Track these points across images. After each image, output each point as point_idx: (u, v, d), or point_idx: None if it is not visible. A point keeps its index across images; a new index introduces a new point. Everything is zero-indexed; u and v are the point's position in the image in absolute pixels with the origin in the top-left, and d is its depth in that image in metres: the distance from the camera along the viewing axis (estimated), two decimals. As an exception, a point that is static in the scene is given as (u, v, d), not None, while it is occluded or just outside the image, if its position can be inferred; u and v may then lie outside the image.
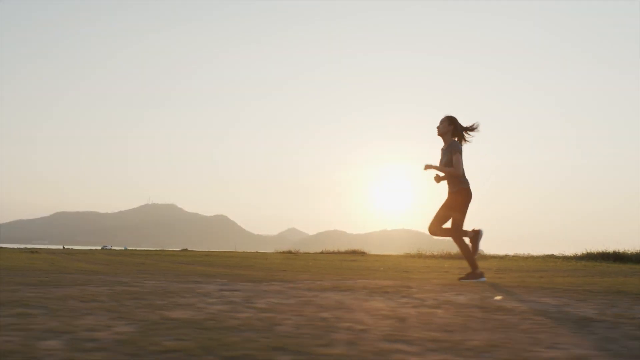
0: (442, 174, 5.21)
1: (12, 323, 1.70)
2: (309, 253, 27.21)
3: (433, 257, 18.08)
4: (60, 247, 53.70)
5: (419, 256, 19.25)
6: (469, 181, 5.15)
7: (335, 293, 3.10)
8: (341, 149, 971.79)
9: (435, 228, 5.17)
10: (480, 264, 6.41)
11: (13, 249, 27.38)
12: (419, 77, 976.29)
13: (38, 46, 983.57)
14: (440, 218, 5.17)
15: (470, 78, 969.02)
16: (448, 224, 5.15)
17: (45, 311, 1.99)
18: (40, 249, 29.61)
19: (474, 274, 5.01)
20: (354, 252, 25.29)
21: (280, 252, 26.40)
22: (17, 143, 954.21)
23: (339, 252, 26.01)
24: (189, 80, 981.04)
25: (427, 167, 5.15)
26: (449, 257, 17.21)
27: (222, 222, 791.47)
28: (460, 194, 5.08)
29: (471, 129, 5.25)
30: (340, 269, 8.13)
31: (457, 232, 5.08)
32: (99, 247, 60.90)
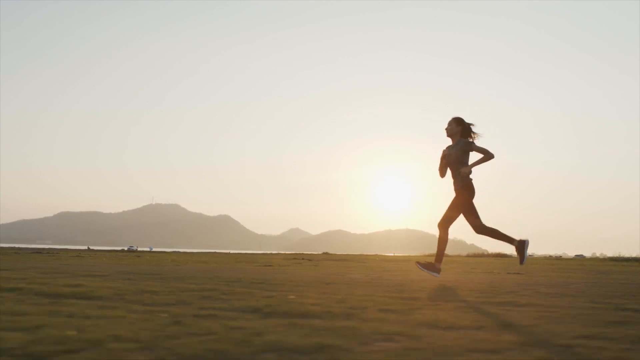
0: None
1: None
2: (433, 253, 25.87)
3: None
4: (85, 247, 51.64)
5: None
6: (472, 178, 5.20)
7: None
8: (344, 148, 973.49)
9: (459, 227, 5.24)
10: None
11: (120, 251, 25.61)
12: (422, 76, 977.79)
13: (38, 46, 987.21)
14: (471, 219, 5.20)
15: (471, 78, 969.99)
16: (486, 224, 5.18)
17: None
18: (81, 250, 27.71)
19: (434, 267, 5.17)
20: (474, 255, 25.07)
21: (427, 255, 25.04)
22: (19, 143, 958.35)
23: (468, 256, 25.23)
24: (191, 79, 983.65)
25: (463, 172, 5.11)
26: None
27: (225, 222, 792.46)
28: (462, 191, 5.12)
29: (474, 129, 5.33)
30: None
31: (445, 226, 5.20)
32: (125, 248, 58.44)
